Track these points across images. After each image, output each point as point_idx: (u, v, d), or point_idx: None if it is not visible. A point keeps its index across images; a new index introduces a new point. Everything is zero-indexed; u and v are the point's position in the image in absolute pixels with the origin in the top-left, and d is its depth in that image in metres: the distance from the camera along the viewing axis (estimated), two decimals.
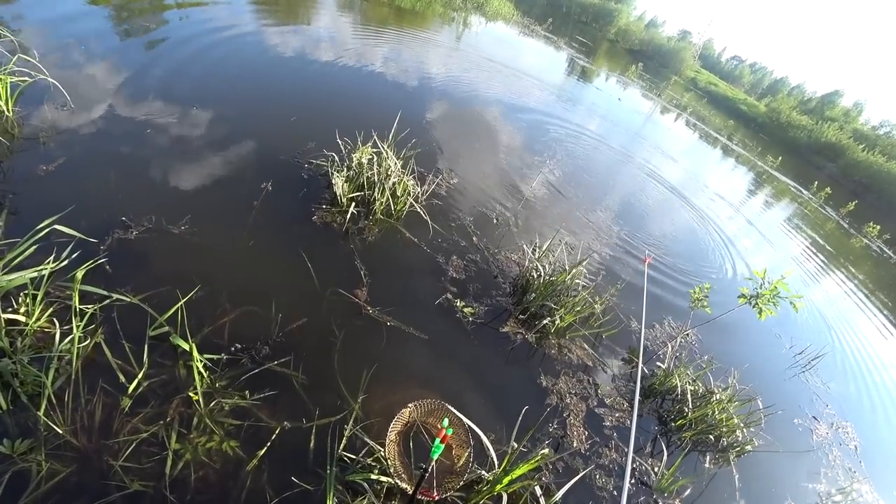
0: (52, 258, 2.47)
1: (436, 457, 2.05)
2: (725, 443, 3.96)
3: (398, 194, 4.51)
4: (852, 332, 8.33)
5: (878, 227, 17.73)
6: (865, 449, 5.09)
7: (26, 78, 3.85)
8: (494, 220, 5.44)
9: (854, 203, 19.54)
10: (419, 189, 4.80)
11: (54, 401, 2.17)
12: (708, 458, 3.84)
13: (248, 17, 8.45)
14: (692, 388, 4.09)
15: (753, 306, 4.58)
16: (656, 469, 3.42)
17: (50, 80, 3.98)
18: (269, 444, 2.42)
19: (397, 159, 4.63)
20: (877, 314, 10.03)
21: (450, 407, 2.71)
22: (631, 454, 2.57)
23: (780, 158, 23.48)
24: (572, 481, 2.60)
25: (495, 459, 2.58)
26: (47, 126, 3.81)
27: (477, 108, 9.11)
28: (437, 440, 2.07)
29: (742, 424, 3.99)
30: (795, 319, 7.08)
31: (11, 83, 3.71)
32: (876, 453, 5.16)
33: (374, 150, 4.58)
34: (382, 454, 2.44)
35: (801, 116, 36.87)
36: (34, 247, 2.43)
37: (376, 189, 4.36)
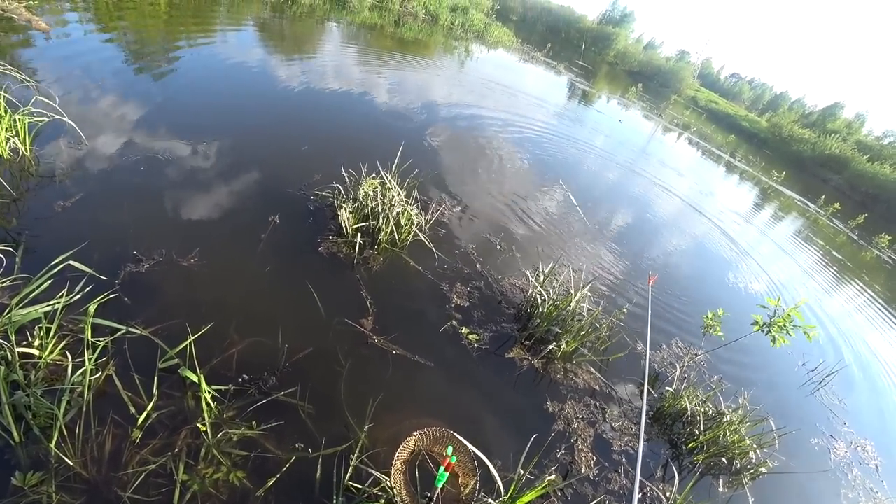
0: (65, 291, 2.55)
1: (440, 485, 2.06)
2: (739, 465, 3.87)
3: (402, 224, 4.59)
4: (868, 345, 8.17)
5: (889, 237, 17.55)
6: (887, 468, 4.94)
7: (43, 118, 4.04)
8: (498, 247, 5.49)
9: (863, 216, 19.42)
10: (423, 218, 4.88)
11: (65, 433, 2.21)
12: (721, 481, 3.75)
13: (255, 52, 8.81)
14: (702, 410, 4.03)
15: (767, 334, 4.57)
16: (668, 494, 3.35)
17: (66, 119, 4.16)
18: (275, 474, 2.43)
19: (401, 189, 4.73)
20: (894, 326, 9.86)
21: (455, 434, 2.71)
22: (638, 477, 2.54)
23: (785, 173, 23.46)
24: None
25: (501, 487, 2.56)
26: (63, 164, 3.97)
27: (479, 135, 9.29)
28: (442, 468, 2.07)
29: (755, 446, 3.91)
30: (808, 342, 6.97)
31: (29, 123, 3.89)
32: None
33: (379, 180, 4.69)
34: (388, 483, 2.44)
35: (803, 130, 36.96)
36: (49, 282, 2.52)
37: (381, 219, 4.45)
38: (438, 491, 2.09)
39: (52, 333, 2.45)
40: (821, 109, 46.93)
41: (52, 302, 2.50)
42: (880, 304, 11.07)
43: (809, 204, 20.46)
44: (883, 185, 28.01)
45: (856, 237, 17.78)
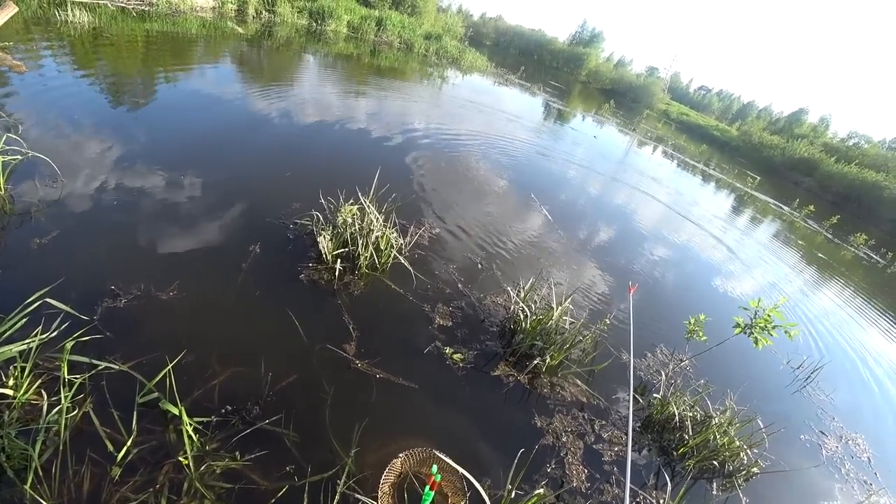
0: (40, 329, 2.52)
1: None
2: (731, 467, 3.89)
3: (382, 248, 4.62)
4: (852, 340, 8.34)
5: (864, 236, 18.11)
6: (879, 459, 4.99)
7: (17, 156, 4.03)
8: (479, 265, 5.54)
9: (837, 217, 20.07)
10: (402, 241, 4.91)
11: (41, 473, 2.15)
12: (715, 484, 3.76)
13: (233, 85, 8.93)
14: (690, 415, 4.06)
15: (749, 335, 4.64)
16: (661, 501, 3.35)
17: (40, 156, 4.15)
18: None
19: (379, 213, 4.78)
20: (877, 319, 10.09)
21: (439, 454, 2.69)
22: (628, 485, 2.55)
23: (759, 179, 24.21)
24: None
25: None
26: (39, 201, 3.95)
27: (455, 156, 9.47)
28: (427, 488, 2.06)
29: (746, 446, 3.94)
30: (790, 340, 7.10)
31: (3, 162, 3.88)
32: (891, 463, 5.05)
33: (357, 206, 4.74)
34: None
35: (772, 137, 38.38)
36: (24, 320, 2.49)
37: (360, 244, 4.47)
38: None
39: (27, 372, 2.40)
40: (787, 116, 48.96)
41: (27, 340, 2.46)
42: (862, 298, 11.34)
43: (784, 207, 21.06)
44: (851, 185, 29.07)
45: (830, 236, 18.30)
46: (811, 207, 20.58)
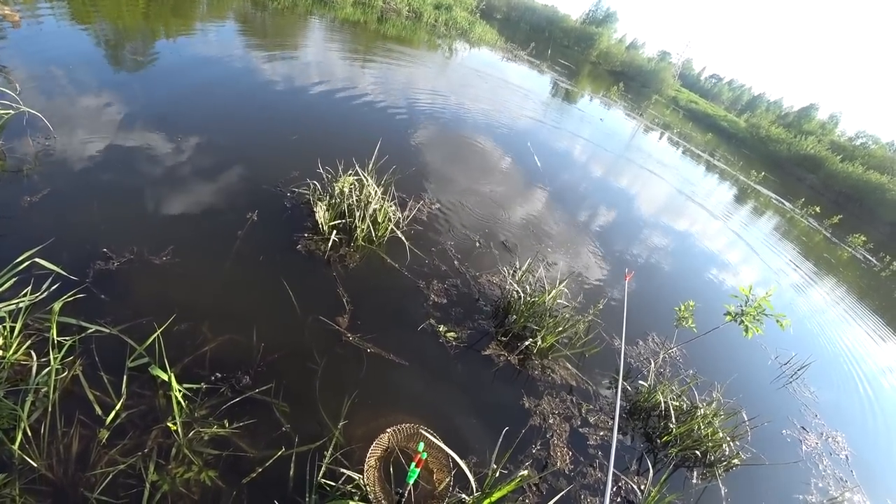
0: (29, 289, 2.49)
1: (411, 481, 2.06)
2: (712, 458, 3.96)
3: (379, 220, 4.57)
4: (840, 339, 8.44)
5: (863, 237, 18.12)
6: (857, 458, 5.11)
7: (9, 111, 3.91)
8: (477, 244, 5.51)
9: (839, 217, 20.04)
10: (400, 215, 4.86)
11: (30, 434, 2.16)
12: (695, 473, 3.84)
13: (235, 48, 8.68)
14: (676, 404, 4.12)
15: (739, 324, 4.62)
16: (643, 487, 3.41)
17: (33, 111, 4.03)
18: (248, 473, 2.41)
19: (378, 186, 4.71)
20: (865, 321, 10.19)
21: (424, 431, 2.72)
22: (612, 470, 2.58)
23: (763, 174, 24.04)
24: (552, 501, 2.59)
25: (473, 483, 2.57)
26: (31, 157, 3.86)
27: (459, 131, 9.32)
28: (413, 465, 2.08)
29: (728, 438, 4.01)
30: (777, 329, 7.15)
31: None
32: (868, 462, 5.18)
33: (356, 177, 4.66)
34: (362, 480, 2.44)
35: (779, 130, 37.98)
36: (13, 280, 2.45)
37: (357, 216, 4.42)
38: (410, 487, 2.10)
39: (16, 332, 2.38)
40: (797, 110, 48.30)
41: (16, 300, 2.43)
42: (853, 299, 11.44)
43: (786, 203, 20.99)
44: (855, 185, 28.97)
45: (829, 235, 18.32)
46: (817, 208, 20.47)
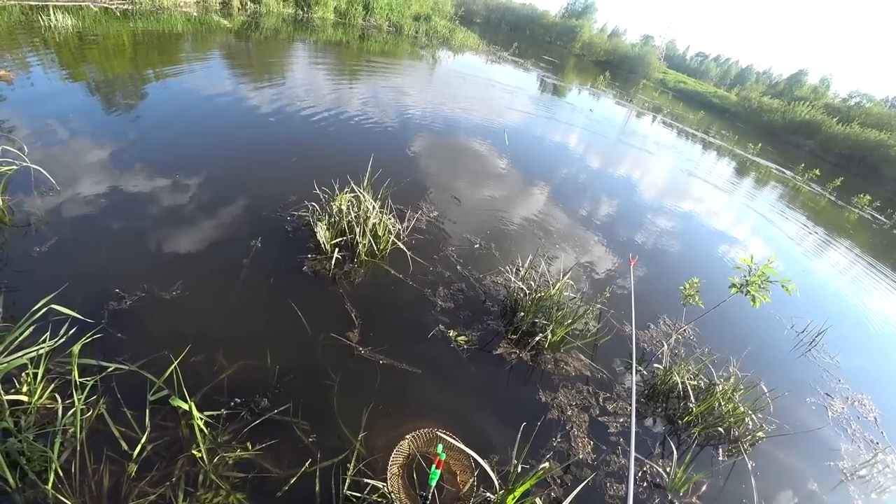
0: (48, 335, 2.57)
1: (434, 483, 2.10)
2: (736, 433, 3.95)
3: (380, 234, 4.63)
4: (857, 301, 8.35)
5: (868, 197, 17.93)
6: (887, 418, 5.05)
7: (11, 167, 4.03)
8: (477, 246, 5.56)
9: (840, 179, 19.86)
10: (400, 226, 4.92)
11: (61, 474, 2.23)
12: (721, 451, 3.82)
13: (223, 81, 8.84)
14: (694, 383, 4.11)
15: (746, 294, 4.59)
16: (668, 469, 3.41)
17: (34, 166, 4.15)
18: (275, 492, 2.46)
19: (375, 200, 4.78)
20: (882, 280, 10.08)
21: (442, 434, 2.75)
22: (633, 454, 2.60)
23: (760, 145, 23.89)
24: (576, 490, 2.61)
25: (496, 480, 2.60)
26: (37, 211, 3.97)
27: (448, 138, 9.41)
28: (433, 467, 2.11)
29: (750, 412, 3.99)
30: (793, 298, 7.09)
31: None
32: None
33: (352, 194, 4.74)
34: (386, 489, 2.48)
35: (771, 100, 37.76)
36: (32, 327, 2.54)
37: (357, 232, 4.49)
38: (433, 489, 2.13)
39: (39, 378, 2.46)
40: (786, 78, 48.10)
41: (36, 347, 2.51)
42: (867, 261, 11.31)
43: (786, 171, 20.84)
44: (854, 145, 28.70)
45: (834, 198, 18.15)
46: (816, 171, 20.30)
